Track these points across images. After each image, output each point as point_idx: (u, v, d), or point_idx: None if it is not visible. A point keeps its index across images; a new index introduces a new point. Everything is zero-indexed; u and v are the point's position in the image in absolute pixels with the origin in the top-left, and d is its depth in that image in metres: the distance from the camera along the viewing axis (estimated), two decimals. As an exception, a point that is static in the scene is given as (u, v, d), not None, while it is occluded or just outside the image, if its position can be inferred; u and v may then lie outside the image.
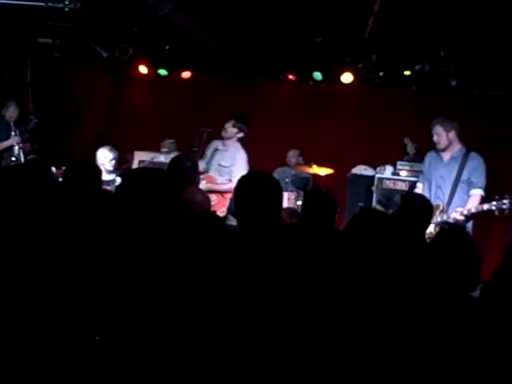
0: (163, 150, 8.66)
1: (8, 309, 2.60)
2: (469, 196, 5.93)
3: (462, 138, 6.12)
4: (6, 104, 8.27)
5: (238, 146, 6.84)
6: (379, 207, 7.11)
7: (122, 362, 2.35)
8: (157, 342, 2.37)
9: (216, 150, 6.94)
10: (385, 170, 8.32)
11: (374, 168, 8.56)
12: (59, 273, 2.70)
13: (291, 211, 5.04)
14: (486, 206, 5.65)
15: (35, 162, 4.77)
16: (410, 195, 5.81)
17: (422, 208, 4.48)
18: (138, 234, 2.61)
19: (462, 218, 5.73)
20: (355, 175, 8.78)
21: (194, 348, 2.42)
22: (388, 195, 7.69)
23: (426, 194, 5.95)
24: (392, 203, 7.06)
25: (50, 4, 5.86)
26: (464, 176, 5.95)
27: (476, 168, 5.96)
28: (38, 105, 9.69)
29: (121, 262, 2.53)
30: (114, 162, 7.06)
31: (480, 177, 5.94)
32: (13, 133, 8.07)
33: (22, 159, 7.80)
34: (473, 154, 6.03)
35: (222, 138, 7.17)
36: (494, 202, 5.55)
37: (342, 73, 8.44)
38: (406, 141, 8.68)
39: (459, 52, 7.48)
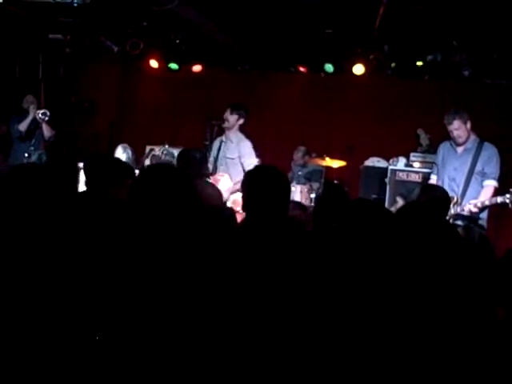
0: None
1: (11, 306, 2.59)
2: (482, 187, 5.86)
3: (474, 127, 6.04)
4: (25, 98, 8.36)
5: (240, 135, 6.81)
6: (400, 199, 7.04)
7: (123, 361, 2.33)
8: (159, 340, 2.35)
9: (221, 142, 6.93)
10: (398, 161, 8.26)
11: (387, 160, 8.51)
12: (69, 270, 2.68)
13: (295, 204, 4.97)
14: (499, 199, 5.58)
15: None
16: (428, 187, 5.71)
17: (439, 200, 4.42)
18: (153, 231, 2.57)
19: (475, 210, 5.68)
20: (368, 167, 8.75)
21: (197, 344, 2.40)
22: (409, 187, 7.62)
23: (440, 186, 5.91)
24: (413, 195, 7.01)
25: (58, 0, 5.86)
26: (478, 167, 5.86)
27: (490, 158, 5.87)
28: (50, 100, 9.73)
29: (128, 259, 2.51)
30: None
31: (494, 167, 5.86)
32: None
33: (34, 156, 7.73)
34: (486, 145, 5.94)
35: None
36: (508, 195, 5.47)
37: (354, 64, 8.41)
38: (419, 132, 8.62)
39: (471, 41, 7.42)
